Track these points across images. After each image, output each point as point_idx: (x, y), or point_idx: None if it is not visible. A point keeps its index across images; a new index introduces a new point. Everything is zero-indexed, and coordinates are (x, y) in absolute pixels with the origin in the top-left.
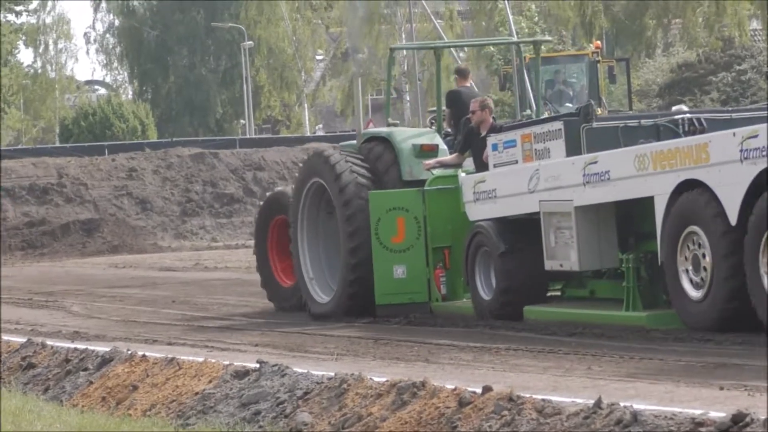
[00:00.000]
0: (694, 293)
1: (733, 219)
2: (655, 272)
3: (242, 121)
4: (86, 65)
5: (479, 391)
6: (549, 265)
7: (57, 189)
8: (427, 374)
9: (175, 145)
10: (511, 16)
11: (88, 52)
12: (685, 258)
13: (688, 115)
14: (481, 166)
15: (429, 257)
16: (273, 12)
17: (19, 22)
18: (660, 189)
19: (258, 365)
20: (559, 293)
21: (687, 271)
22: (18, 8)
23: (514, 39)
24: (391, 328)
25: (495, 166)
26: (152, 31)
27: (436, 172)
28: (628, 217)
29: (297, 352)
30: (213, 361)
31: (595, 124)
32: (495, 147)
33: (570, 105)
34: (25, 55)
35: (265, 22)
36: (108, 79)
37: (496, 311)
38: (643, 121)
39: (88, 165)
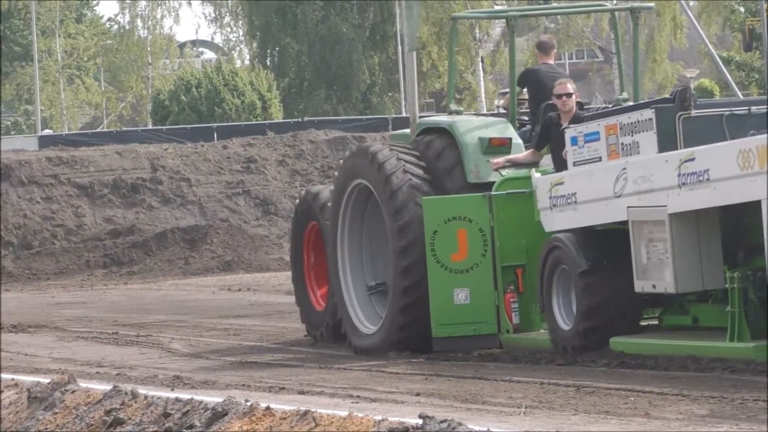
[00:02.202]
0: None
1: None
2: (766, 294)
3: (397, 94)
4: (188, 20)
5: None
6: (640, 285)
7: (150, 186)
8: None
9: (307, 127)
10: None
11: (190, 3)
12: None
13: None
14: (562, 164)
15: (498, 279)
16: None
17: None
18: None
19: (421, 421)
20: (656, 321)
21: None
22: None
23: (608, 6)
24: (596, 372)
25: (575, 164)
26: None
27: (506, 172)
28: (737, 227)
29: (472, 404)
30: (360, 415)
31: (694, 113)
32: (574, 141)
33: None
34: (107, 7)
35: None
36: (217, 40)
37: (578, 343)
38: (753, 108)
39: (191, 154)
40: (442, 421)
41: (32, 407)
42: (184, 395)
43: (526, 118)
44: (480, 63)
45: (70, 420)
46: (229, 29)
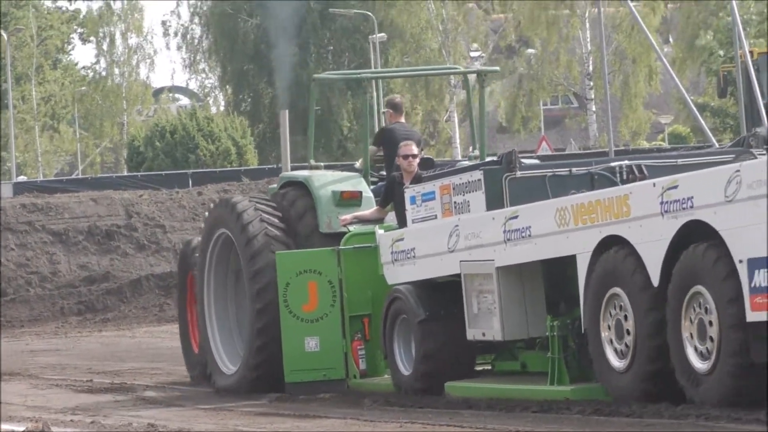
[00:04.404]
0: (618, 363)
1: (655, 280)
2: (582, 341)
3: None
4: (164, 66)
5: None
6: (471, 334)
7: (125, 233)
8: None
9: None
10: None
11: (168, 46)
12: (608, 324)
13: (626, 162)
14: (405, 221)
15: (346, 327)
16: None
17: (72, 8)
18: (582, 247)
19: None
20: (490, 367)
21: (610, 338)
22: None
23: (460, 69)
24: (571, 419)
25: (414, 221)
26: (250, 20)
27: (354, 228)
28: (558, 279)
29: None
30: None
31: (519, 174)
32: (413, 200)
33: None
34: (82, 53)
35: (402, 5)
36: (192, 85)
37: (417, 387)
38: (574, 170)
39: (166, 200)
40: None
41: None
42: None
43: (384, 173)
44: (454, 109)
45: None
46: (204, 75)
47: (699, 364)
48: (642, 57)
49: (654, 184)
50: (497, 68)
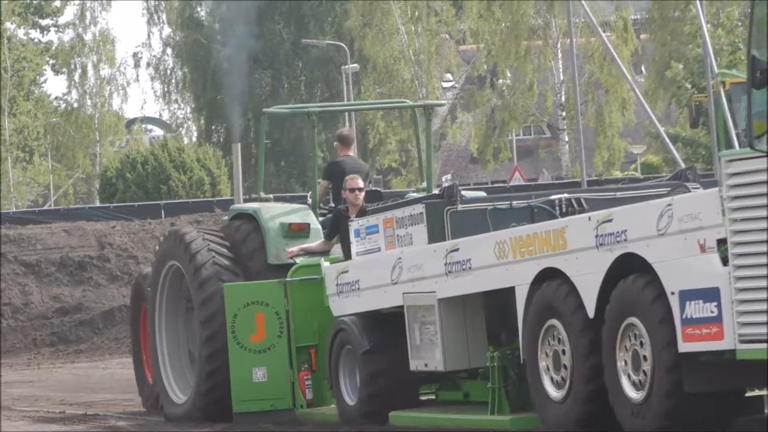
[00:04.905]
0: (555, 393)
1: (591, 311)
2: (522, 371)
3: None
4: (135, 97)
5: None
6: (414, 364)
7: (97, 264)
8: None
9: None
10: (705, 27)
11: (138, 78)
12: (546, 355)
13: (566, 195)
14: (350, 253)
15: (293, 358)
16: (383, 23)
17: (45, 40)
18: (520, 279)
19: None
20: (434, 396)
21: (548, 369)
22: (44, 22)
23: (409, 102)
24: None
25: (358, 254)
26: (223, 50)
27: (300, 260)
28: (499, 310)
29: None
30: None
31: (460, 207)
32: (357, 233)
33: None
34: (54, 85)
35: (374, 35)
36: (165, 116)
37: (361, 417)
38: (515, 203)
39: (139, 231)
40: None
41: None
42: None
43: (333, 205)
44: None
45: None
46: (176, 105)
47: (633, 394)
48: (615, 87)
49: (589, 218)
50: (444, 102)
